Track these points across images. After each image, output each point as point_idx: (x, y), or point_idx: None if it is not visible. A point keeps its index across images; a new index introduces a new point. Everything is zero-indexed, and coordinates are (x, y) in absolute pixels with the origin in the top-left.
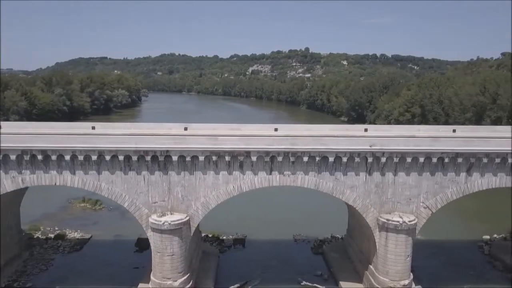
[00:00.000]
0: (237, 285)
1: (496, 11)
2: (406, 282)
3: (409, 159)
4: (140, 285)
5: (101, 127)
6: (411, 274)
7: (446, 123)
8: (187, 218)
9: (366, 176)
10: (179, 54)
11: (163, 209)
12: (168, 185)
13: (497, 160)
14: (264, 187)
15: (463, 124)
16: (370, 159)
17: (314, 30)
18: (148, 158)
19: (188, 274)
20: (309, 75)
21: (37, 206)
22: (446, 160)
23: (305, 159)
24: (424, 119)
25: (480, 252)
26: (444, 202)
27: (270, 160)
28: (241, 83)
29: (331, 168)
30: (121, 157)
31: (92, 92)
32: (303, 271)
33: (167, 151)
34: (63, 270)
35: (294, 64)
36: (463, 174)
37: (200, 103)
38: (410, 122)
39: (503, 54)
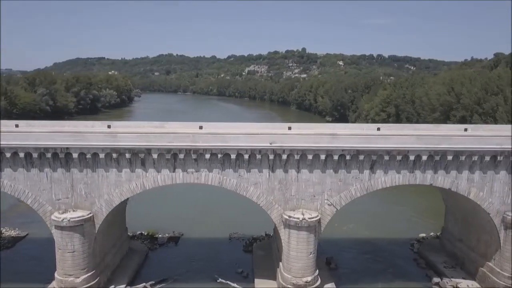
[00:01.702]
0: (152, 282)
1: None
2: (309, 278)
3: (310, 156)
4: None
5: (26, 125)
6: (317, 270)
7: (417, 122)
8: (90, 215)
9: (269, 173)
10: (177, 55)
11: (67, 206)
12: (71, 182)
13: (399, 158)
14: (167, 184)
15: (430, 123)
16: (271, 156)
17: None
18: (49, 155)
19: (93, 271)
20: (305, 75)
21: None
22: (348, 157)
23: (207, 156)
24: (398, 119)
25: (410, 250)
26: (349, 199)
27: (172, 158)
28: (236, 83)
29: (234, 165)
30: (21, 154)
31: (78, 92)
32: (226, 269)
33: (67, 148)
34: None
35: (291, 64)
36: (366, 172)
37: (191, 104)
38: (385, 121)
39: (495, 54)
